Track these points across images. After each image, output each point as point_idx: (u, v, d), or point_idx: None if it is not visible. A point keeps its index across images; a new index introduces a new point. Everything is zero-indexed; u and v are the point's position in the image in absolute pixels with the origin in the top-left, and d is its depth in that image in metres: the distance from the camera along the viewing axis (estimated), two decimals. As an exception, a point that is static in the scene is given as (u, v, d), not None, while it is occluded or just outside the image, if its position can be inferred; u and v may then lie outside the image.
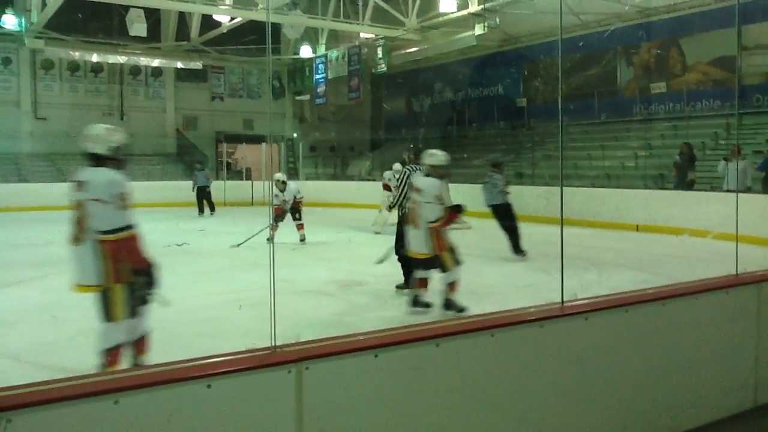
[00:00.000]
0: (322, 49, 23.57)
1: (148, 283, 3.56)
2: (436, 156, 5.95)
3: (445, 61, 22.76)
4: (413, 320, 5.62)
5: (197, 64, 23.88)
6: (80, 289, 3.60)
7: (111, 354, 3.53)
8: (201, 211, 16.36)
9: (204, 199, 16.37)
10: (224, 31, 21.37)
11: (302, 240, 10.91)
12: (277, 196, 10.68)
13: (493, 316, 2.78)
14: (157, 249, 11.15)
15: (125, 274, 3.50)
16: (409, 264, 6.96)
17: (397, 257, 7.01)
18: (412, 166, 7.08)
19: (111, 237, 3.44)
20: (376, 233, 12.23)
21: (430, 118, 24.43)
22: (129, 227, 3.48)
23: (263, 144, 24.19)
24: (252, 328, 4.67)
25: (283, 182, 10.84)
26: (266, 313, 2.43)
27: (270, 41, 3.21)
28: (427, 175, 5.95)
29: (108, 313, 3.55)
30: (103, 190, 3.47)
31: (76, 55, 21.92)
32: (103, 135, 3.69)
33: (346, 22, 21.16)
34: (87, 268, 3.49)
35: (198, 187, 16.44)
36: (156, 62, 23.25)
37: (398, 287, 6.89)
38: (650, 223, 12.13)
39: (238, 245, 10.29)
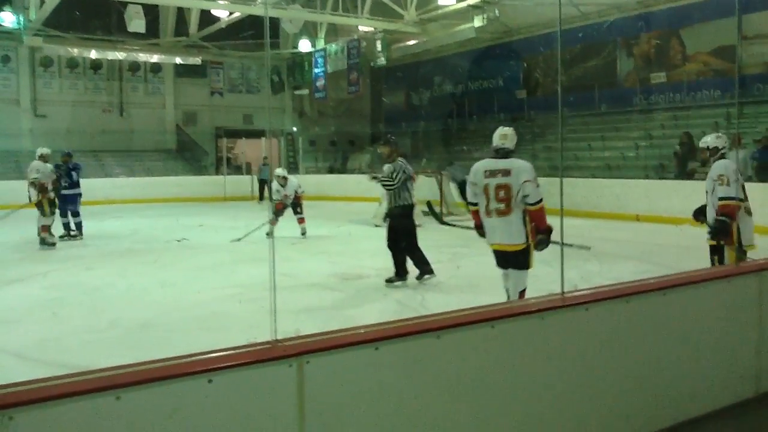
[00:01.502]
0: (321, 43, 23.51)
1: (546, 241, 4.65)
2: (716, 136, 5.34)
3: (445, 53, 22.70)
4: (413, 313, 5.63)
5: (196, 60, 23.82)
6: (506, 247, 4.81)
7: (522, 294, 4.76)
8: (261, 199, 19.47)
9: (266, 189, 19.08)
10: (223, 26, 21.33)
11: (303, 234, 10.92)
12: (278, 191, 10.68)
13: (493, 308, 2.78)
14: (157, 244, 11.22)
15: (534, 235, 4.68)
16: (402, 257, 6.96)
17: (389, 249, 7.02)
18: (401, 159, 7.11)
19: (534, 207, 4.64)
20: (377, 226, 12.23)
21: (430, 111, 24.38)
22: (542, 200, 4.64)
23: (263, 139, 24.19)
24: (252, 323, 4.68)
25: (284, 177, 10.84)
26: (267, 307, 2.43)
27: (268, 36, 3.19)
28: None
29: (526, 264, 4.78)
30: (530, 174, 4.67)
31: (75, 52, 21.87)
32: (512, 135, 4.93)
33: (345, 16, 21.10)
34: (514, 232, 4.71)
35: (260, 179, 19.73)
36: (155, 58, 23.19)
37: (388, 281, 6.90)
38: (651, 213, 12.13)
39: (239, 240, 10.30)
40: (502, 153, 4.82)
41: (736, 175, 4.88)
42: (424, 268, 6.97)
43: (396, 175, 6.85)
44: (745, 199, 4.99)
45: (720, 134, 5.31)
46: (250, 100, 26.05)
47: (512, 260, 4.82)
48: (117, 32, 21.68)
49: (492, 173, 4.77)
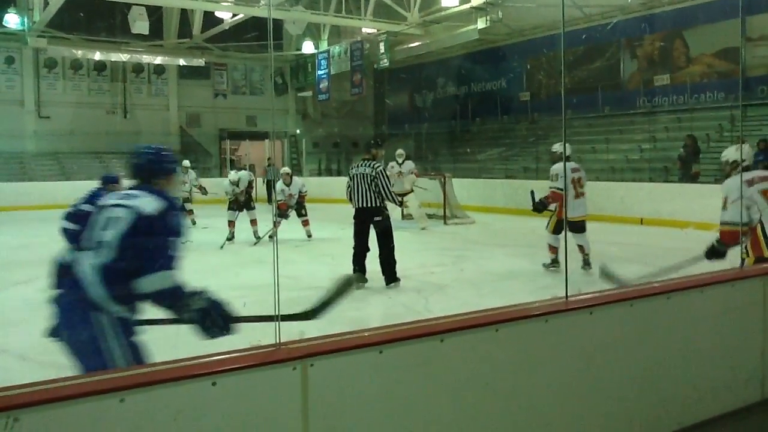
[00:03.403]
0: (324, 45, 23.55)
1: None
2: None
3: (448, 55, 22.71)
4: (417, 316, 5.63)
5: (200, 62, 23.86)
6: (584, 218, 7.60)
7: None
8: (270, 201, 19.84)
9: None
10: (226, 27, 21.36)
11: (309, 236, 10.90)
12: (282, 190, 10.65)
13: (497, 311, 2.77)
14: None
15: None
16: (364, 259, 7.00)
17: (357, 246, 7.05)
18: (358, 164, 7.23)
19: None
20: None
21: (433, 113, 24.39)
22: None
23: (266, 140, 24.22)
24: (256, 325, 4.66)
25: (289, 175, 10.82)
26: (270, 310, 2.43)
27: (272, 37, 3.21)
28: None
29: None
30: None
31: (79, 53, 21.92)
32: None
33: (348, 18, 21.14)
34: (588, 208, 7.66)
35: (266, 180, 19.90)
36: (158, 60, 23.24)
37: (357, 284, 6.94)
38: (655, 216, 12.11)
39: (254, 244, 10.35)
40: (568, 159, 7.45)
41: (741, 191, 4.30)
42: (395, 276, 7.03)
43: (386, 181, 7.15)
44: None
45: (739, 145, 4.78)
46: (254, 101, 26.09)
47: (583, 226, 7.34)
48: (121, 34, 21.70)
49: (575, 170, 7.47)
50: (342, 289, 2.82)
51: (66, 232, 6.49)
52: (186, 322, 2.51)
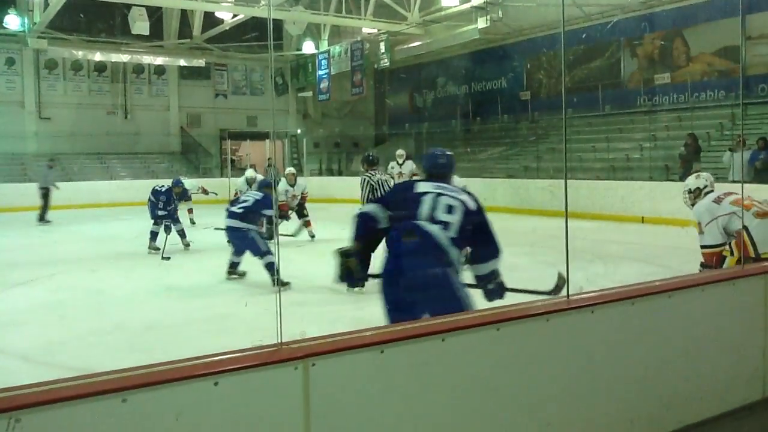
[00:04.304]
0: (324, 45, 23.55)
1: None
2: None
3: (448, 55, 22.71)
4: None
5: (200, 62, 23.88)
6: None
7: None
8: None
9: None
10: (226, 28, 21.39)
11: (312, 236, 10.86)
12: (286, 191, 10.59)
13: (498, 310, 2.77)
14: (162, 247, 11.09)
15: None
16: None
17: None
18: (371, 173, 7.53)
19: None
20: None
21: (434, 113, 24.39)
22: None
23: (267, 141, 24.23)
24: (258, 325, 4.68)
25: (294, 175, 10.77)
26: (272, 310, 2.43)
27: (272, 38, 3.22)
28: None
29: None
30: None
31: (79, 54, 21.94)
32: None
33: (348, 18, 21.14)
34: None
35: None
36: (159, 60, 23.24)
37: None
38: (656, 215, 12.10)
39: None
40: None
41: (714, 213, 4.60)
42: None
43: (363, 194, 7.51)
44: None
45: (700, 173, 5.15)
46: (254, 102, 26.09)
47: None
48: (121, 34, 21.74)
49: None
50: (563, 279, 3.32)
51: (230, 229, 7.47)
52: (478, 288, 3.28)
